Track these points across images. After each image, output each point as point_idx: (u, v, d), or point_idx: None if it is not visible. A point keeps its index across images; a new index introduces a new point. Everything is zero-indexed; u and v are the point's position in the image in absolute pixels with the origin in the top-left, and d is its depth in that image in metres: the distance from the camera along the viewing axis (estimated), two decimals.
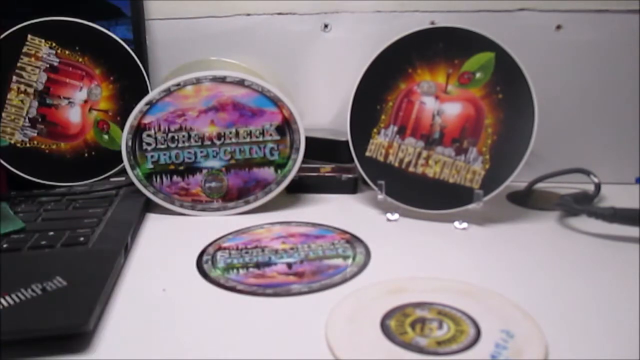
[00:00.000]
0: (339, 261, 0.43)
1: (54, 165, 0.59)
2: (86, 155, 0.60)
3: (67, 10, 0.59)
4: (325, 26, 0.64)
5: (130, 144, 0.53)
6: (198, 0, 0.64)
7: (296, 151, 0.54)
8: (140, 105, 0.53)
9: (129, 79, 0.60)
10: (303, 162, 0.54)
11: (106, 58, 0.60)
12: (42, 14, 0.58)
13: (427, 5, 0.61)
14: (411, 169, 0.52)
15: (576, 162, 0.59)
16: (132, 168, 0.53)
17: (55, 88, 0.59)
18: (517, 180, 0.50)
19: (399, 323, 0.33)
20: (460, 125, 0.51)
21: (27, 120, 0.58)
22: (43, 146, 0.59)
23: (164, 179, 0.53)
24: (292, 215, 0.53)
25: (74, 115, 0.59)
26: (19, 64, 0.58)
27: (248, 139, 0.54)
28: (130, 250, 0.45)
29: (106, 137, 0.60)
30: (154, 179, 0.53)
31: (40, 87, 0.58)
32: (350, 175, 0.59)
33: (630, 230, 0.46)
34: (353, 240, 0.47)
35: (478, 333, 0.32)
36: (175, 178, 0.53)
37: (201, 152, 0.53)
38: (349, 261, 0.43)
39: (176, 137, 0.53)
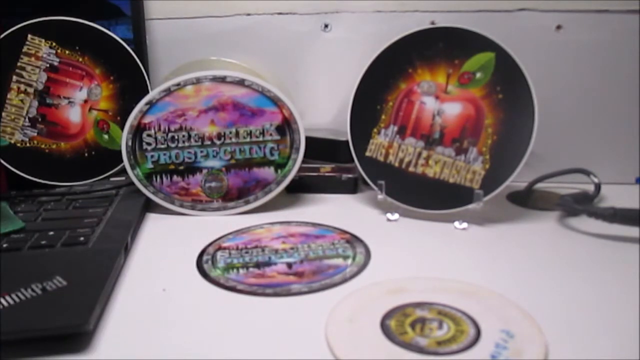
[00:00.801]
0: (339, 261, 0.43)
1: (54, 165, 0.59)
2: (86, 155, 0.60)
3: (67, 10, 0.59)
4: (325, 26, 0.64)
5: (130, 143, 0.53)
6: (198, 0, 0.64)
7: (296, 151, 0.54)
8: (140, 105, 0.53)
9: (129, 78, 0.60)
10: (303, 162, 0.54)
11: (106, 58, 0.60)
12: (42, 13, 0.58)
13: (427, 5, 0.61)
14: (411, 169, 0.52)
15: (576, 162, 0.59)
16: (132, 168, 0.53)
17: (56, 88, 0.59)
18: (517, 180, 0.50)
19: (399, 323, 0.33)
20: (461, 125, 0.51)
21: (27, 120, 0.58)
22: (43, 146, 0.59)
23: (164, 178, 0.53)
24: (292, 215, 0.53)
25: (74, 115, 0.59)
26: (19, 64, 0.58)
27: (248, 139, 0.54)
28: (130, 250, 0.45)
29: (106, 136, 0.60)
30: (154, 179, 0.53)
31: (41, 86, 0.58)
32: (350, 175, 0.59)
33: (630, 230, 0.46)
34: (353, 240, 0.47)
35: (478, 333, 0.32)
36: (175, 178, 0.53)
37: (201, 152, 0.53)
38: (349, 261, 0.43)
39: (176, 137, 0.53)
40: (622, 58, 0.60)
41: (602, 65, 0.60)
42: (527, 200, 0.57)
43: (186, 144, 0.53)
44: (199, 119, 0.53)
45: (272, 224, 0.51)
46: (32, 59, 0.58)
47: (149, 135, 0.53)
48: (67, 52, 0.59)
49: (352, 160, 0.54)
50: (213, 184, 0.54)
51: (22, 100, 0.58)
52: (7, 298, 0.34)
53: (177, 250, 0.45)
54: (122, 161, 0.53)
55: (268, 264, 0.42)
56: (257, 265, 0.42)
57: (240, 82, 0.53)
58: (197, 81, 0.53)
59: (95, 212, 0.50)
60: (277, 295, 0.38)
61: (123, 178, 0.59)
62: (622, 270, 0.41)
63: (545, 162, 0.59)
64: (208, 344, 0.32)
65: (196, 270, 0.42)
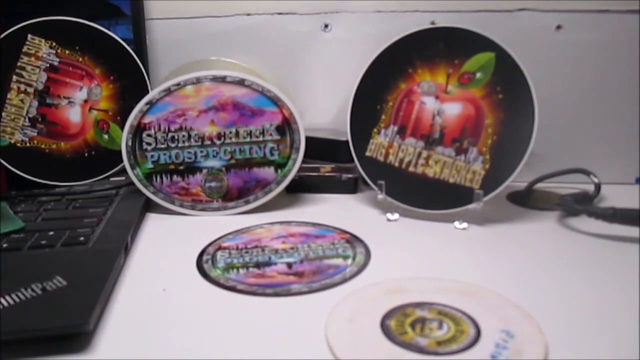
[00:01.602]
0: (339, 261, 0.43)
1: (54, 165, 0.59)
2: (86, 155, 0.60)
3: (67, 10, 0.59)
4: (325, 26, 0.64)
5: (130, 143, 0.53)
6: (198, 0, 0.64)
7: (296, 151, 0.54)
8: (140, 105, 0.53)
9: (129, 78, 0.60)
10: (303, 162, 0.54)
11: (106, 58, 0.60)
12: (42, 13, 0.58)
13: (427, 5, 0.61)
14: (411, 168, 0.52)
15: (576, 162, 0.59)
16: (132, 168, 0.53)
17: (55, 88, 0.59)
18: (517, 180, 0.50)
19: (399, 323, 0.33)
20: (461, 125, 0.51)
21: (27, 119, 0.58)
22: (43, 146, 0.59)
23: (164, 178, 0.53)
24: (292, 215, 0.53)
25: (74, 115, 0.59)
26: (19, 64, 0.58)
27: (248, 139, 0.54)
28: (130, 250, 0.45)
29: (106, 136, 0.60)
30: (154, 179, 0.53)
31: (41, 86, 0.58)
32: (350, 175, 0.59)
33: (630, 230, 0.46)
34: (353, 240, 0.47)
35: (478, 333, 0.32)
36: (175, 178, 0.53)
37: (201, 151, 0.53)
38: (349, 261, 0.43)
39: (176, 137, 0.53)
40: (622, 58, 0.60)
41: (602, 65, 0.60)
42: (527, 200, 0.57)
43: (186, 144, 0.53)
44: (199, 119, 0.53)
45: (272, 224, 0.51)
46: (32, 59, 0.58)
47: (149, 135, 0.53)
48: (67, 52, 0.59)
49: (352, 160, 0.54)
50: (213, 184, 0.54)
51: (22, 100, 0.58)
52: (7, 298, 0.34)
53: (177, 250, 0.45)
54: (122, 161, 0.53)
55: (268, 263, 0.42)
56: (257, 265, 0.42)
57: (240, 82, 0.53)
58: (197, 81, 0.53)
59: (95, 212, 0.50)
60: (277, 295, 0.38)
61: (123, 178, 0.59)
62: (622, 270, 0.41)
63: (545, 162, 0.59)
64: (208, 344, 0.32)
65: (196, 270, 0.42)
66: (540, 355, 0.30)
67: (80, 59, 0.59)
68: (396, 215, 0.52)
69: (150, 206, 0.54)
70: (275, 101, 0.53)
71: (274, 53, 0.65)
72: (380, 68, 0.54)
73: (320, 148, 0.60)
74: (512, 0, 0.60)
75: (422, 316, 0.34)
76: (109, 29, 0.60)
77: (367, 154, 0.54)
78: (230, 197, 0.54)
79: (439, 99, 0.52)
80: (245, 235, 0.48)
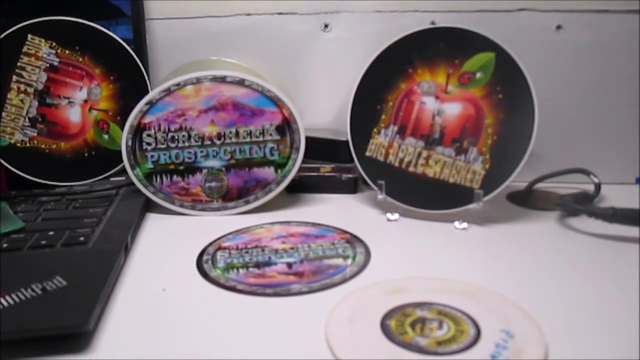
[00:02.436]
0: (339, 261, 0.43)
1: (54, 165, 0.59)
2: (86, 155, 0.60)
3: (67, 10, 0.59)
4: (326, 26, 0.64)
5: (130, 143, 0.53)
6: (198, 0, 0.64)
7: (296, 151, 0.54)
8: (140, 105, 0.53)
9: (129, 78, 0.60)
10: (303, 162, 0.54)
11: (106, 58, 0.60)
12: (42, 13, 0.58)
13: (427, 5, 0.61)
14: (411, 168, 0.52)
15: (576, 162, 0.59)
16: (132, 168, 0.53)
17: (55, 88, 0.59)
18: (517, 180, 0.50)
19: (399, 323, 0.33)
20: (461, 125, 0.51)
21: (27, 119, 0.58)
22: (43, 146, 0.59)
23: (164, 178, 0.53)
24: (292, 215, 0.53)
25: (74, 115, 0.59)
26: (19, 64, 0.58)
27: (248, 139, 0.54)
28: (130, 250, 0.45)
29: (106, 136, 0.60)
30: (154, 179, 0.53)
31: (40, 86, 0.58)
32: (350, 175, 0.59)
33: (630, 230, 0.46)
34: (353, 240, 0.47)
35: (478, 333, 0.32)
36: (175, 178, 0.53)
37: (201, 151, 0.53)
38: (349, 261, 0.43)
39: (176, 137, 0.53)
40: (622, 58, 0.60)
41: (602, 65, 0.60)
42: (527, 200, 0.57)
43: (186, 144, 0.53)
44: (199, 119, 0.53)
45: (272, 223, 0.51)
46: (32, 59, 0.58)
47: (149, 135, 0.53)
48: (67, 52, 0.59)
49: (352, 160, 0.54)
50: (213, 184, 0.54)
51: (22, 100, 0.58)
52: (7, 298, 0.34)
53: (177, 250, 0.45)
54: (122, 161, 0.53)
55: (268, 263, 0.42)
56: (257, 265, 0.42)
57: (240, 82, 0.53)
58: (197, 81, 0.53)
59: (95, 212, 0.50)
60: (277, 295, 0.38)
61: (123, 178, 0.59)
62: (622, 270, 0.41)
63: (545, 162, 0.59)
64: (208, 344, 0.32)
65: (196, 270, 0.42)
66: (540, 355, 0.30)
67: (80, 59, 0.59)
68: (396, 215, 0.52)
69: (150, 206, 0.54)
70: (275, 101, 0.53)
71: (274, 53, 0.65)
72: (380, 68, 0.54)
73: (320, 148, 0.60)
74: (512, 0, 0.60)
75: (422, 316, 0.34)
76: (109, 29, 0.60)
77: (367, 154, 0.54)
78: (230, 197, 0.54)
79: (439, 99, 0.52)
80: (245, 235, 0.48)
